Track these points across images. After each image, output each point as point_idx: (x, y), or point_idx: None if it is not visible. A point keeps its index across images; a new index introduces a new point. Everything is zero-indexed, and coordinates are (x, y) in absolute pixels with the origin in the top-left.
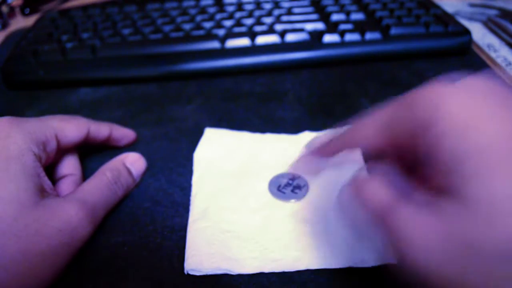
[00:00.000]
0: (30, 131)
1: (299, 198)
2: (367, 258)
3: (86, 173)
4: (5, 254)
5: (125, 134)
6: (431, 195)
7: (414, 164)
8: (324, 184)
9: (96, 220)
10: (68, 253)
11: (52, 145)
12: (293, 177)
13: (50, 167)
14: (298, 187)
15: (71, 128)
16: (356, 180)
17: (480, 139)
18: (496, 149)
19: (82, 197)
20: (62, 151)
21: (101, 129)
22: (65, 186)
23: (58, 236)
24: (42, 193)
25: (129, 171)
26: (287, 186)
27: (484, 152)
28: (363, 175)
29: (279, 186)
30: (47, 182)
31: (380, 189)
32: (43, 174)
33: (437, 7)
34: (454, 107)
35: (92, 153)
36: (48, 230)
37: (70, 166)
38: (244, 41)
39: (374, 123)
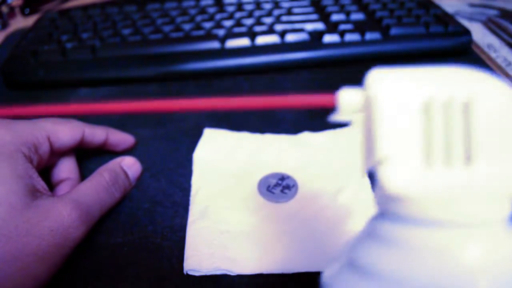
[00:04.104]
0: (20, 133)
1: (288, 198)
2: None
3: (85, 177)
4: None
5: (122, 139)
6: None
7: None
8: (314, 184)
9: (91, 221)
10: (61, 253)
11: (45, 148)
12: (282, 177)
13: (47, 171)
14: (288, 187)
15: (65, 131)
16: None
17: None
18: None
19: (76, 198)
20: (58, 154)
21: (97, 133)
22: (62, 190)
23: (50, 236)
24: (34, 194)
25: (126, 174)
26: (277, 186)
27: None
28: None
29: (269, 186)
30: (40, 183)
31: None
32: (35, 175)
33: (437, 7)
34: None
35: (91, 156)
36: (39, 230)
37: (67, 170)
38: (244, 41)
39: None
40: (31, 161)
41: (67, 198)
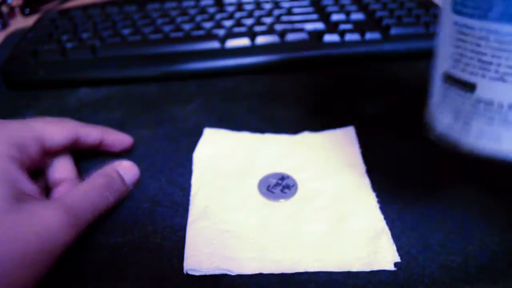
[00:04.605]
0: (8, 134)
1: (288, 198)
2: (364, 263)
3: (83, 177)
4: None
5: (119, 139)
6: None
7: None
8: (314, 184)
9: (81, 226)
10: (48, 258)
11: (35, 148)
12: (282, 177)
13: (44, 172)
14: (288, 187)
15: (56, 130)
16: None
17: None
18: None
19: (66, 202)
20: (51, 154)
21: (92, 133)
22: (60, 193)
23: (36, 241)
24: (22, 197)
25: (122, 178)
26: (277, 186)
27: None
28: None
29: (269, 186)
30: (29, 186)
31: None
32: (24, 178)
33: (437, 7)
34: None
35: (89, 157)
36: (25, 235)
37: (63, 170)
38: (244, 41)
39: None
40: (20, 163)
41: (57, 202)
